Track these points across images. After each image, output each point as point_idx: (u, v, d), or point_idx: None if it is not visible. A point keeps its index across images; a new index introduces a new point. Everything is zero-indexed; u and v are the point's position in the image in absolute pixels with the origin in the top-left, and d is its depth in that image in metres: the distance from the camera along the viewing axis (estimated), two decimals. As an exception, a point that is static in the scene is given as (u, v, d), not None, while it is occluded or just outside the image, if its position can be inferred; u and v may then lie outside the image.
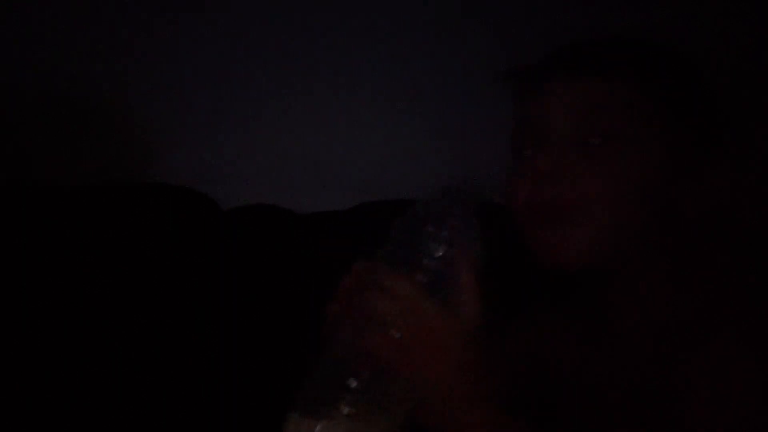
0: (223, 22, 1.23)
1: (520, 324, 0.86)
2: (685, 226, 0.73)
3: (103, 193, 1.14)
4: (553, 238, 0.72)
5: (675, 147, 0.72)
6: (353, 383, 0.61)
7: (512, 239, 0.75)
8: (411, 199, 1.07)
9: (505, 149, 0.81)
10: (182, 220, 1.14)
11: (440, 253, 0.64)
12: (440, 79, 1.20)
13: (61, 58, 1.22)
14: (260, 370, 1.07)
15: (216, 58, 1.23)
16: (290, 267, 1.12)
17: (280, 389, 0.99)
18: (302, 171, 1.23)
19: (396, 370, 0.61)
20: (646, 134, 0.71)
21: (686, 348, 0.67)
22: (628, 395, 0.72)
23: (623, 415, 0.71)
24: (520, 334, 0.85)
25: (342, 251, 1.07)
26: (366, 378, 0.61)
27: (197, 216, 1.15)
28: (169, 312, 1.08)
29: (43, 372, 1.02)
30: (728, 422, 0.63)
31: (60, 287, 1.06)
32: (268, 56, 1.23)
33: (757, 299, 0.68)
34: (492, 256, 0.65)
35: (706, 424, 0.63)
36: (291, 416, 0.62)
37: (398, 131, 1.22)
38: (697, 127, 0.73)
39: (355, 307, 0.63)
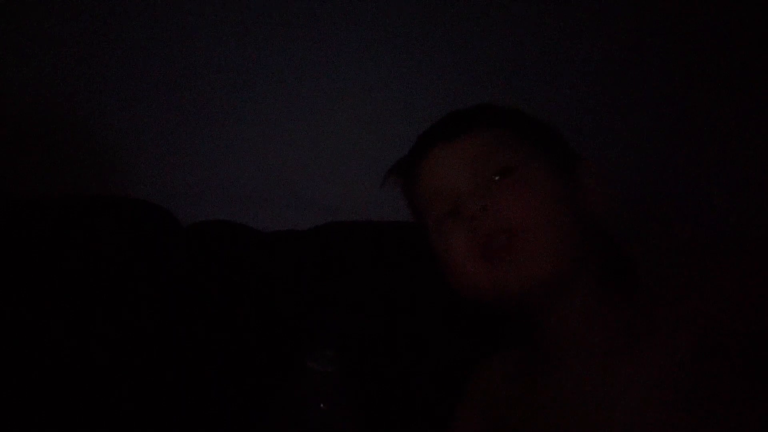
0: (188, 38, 1.22)
1: (481, 373, 0.92)
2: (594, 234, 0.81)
3: (60, 205, 1.13)
4: (506, 273, 0.77)
5: (551, 167, 0.82)
6: None
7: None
8: (373, 222, 1.12)
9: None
10: (139, 234, 1.12)
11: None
12: (411, 101, 1.20)
13: (25, 71, 1.22)
14: (214, 386, 1.06)
15: (180, 72, 1.23)
16: (249, 284, 1.11)
17: (234, 407, 1.02)
18: (265, 188, 1.22)
19: None
20: (528, 160, 0.81)
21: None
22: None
23: None
24: (480, 382, 0.91)
25: (302, 270, 1.11)
26: None
27: (155, 229, 1.13)
28: (123, 325, 1.06)
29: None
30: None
31: (14, 299, 1.05)
32: (234, 71, 1.22)
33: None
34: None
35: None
36: None
37: (364, 151, 1.21)
38: (554, 150, 0.85)
39: None
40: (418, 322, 1.05)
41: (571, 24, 1.21)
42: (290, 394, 0.79)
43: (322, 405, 0.78)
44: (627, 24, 1.21)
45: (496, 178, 0.80)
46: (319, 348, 0.80)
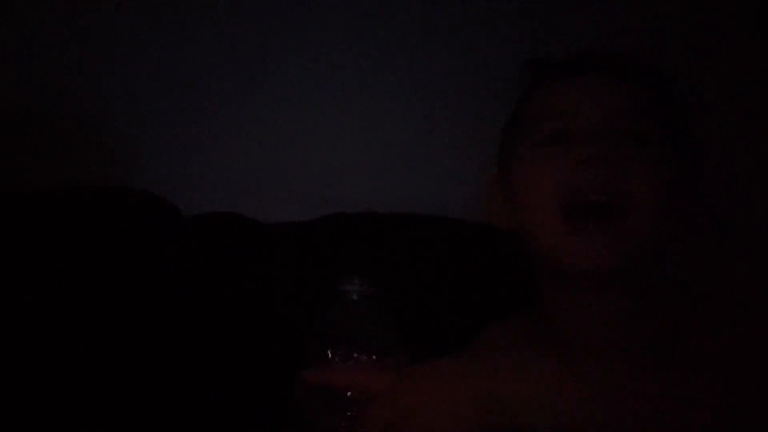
0: (190, 30, 1.22)
1: (480, 355, 0.87)
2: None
3: (60, 197, 1.12)
4: (596, 242, 0.71)
5: (678, 163, 0.76)
6: None
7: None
8: (377, 213, 1.11)
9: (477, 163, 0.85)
10: (141, 225, 1.11)
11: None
12: (410, 93, 1.20)
13: (26, 63, 1.22)
14: (216, 379, 1.05)
15: (182, 63, 1.23)
16: (252, 276, 1.10)
17: (236, 398, 1.02)
18: (268, 180, 1.22)
19: None
20: (668, 143, 0.75)
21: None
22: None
23: None
24: (480, 366, 0.83)
25: (304, 262, 1.10)
26: None
27: (157, 221, 1.13)
28: (123, 319, 1.06)
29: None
30: None
31: (12, 294, 1.04)
32: (237, 63, 1.22)
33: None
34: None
35: None
36: None
37: (367, 143, 1.21)
38: (685, 156, 0.78)
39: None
40: (421, 317, 1.04)
41: (570, 24, 1.21)
42: (324, 323, 0.75)
43: (360, 327, 0.74)
44: (626, 24, 1.21)
45: (635, 139, 0.74)
46: (351, 277, 0.74)
